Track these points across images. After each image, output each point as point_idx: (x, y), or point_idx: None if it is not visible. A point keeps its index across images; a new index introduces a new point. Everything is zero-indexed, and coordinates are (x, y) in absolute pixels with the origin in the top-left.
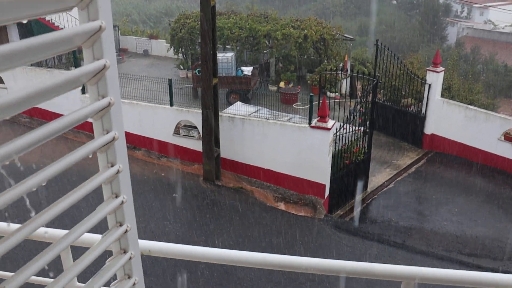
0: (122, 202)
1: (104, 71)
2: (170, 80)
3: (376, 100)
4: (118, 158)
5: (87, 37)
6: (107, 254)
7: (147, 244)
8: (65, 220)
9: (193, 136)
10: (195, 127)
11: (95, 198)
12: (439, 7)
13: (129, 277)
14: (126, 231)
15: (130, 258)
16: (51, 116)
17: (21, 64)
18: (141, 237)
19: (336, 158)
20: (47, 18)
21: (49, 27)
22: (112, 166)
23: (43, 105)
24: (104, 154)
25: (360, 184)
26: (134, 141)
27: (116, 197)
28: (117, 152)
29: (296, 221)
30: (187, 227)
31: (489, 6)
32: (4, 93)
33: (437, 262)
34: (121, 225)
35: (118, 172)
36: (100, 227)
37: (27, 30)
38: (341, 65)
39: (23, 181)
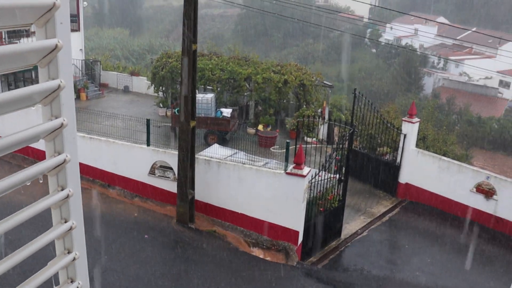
0: (71, 228)
1: (58, 91)
2: (148, 120)
3: (353, 147)
4: (69, 182)
5: (42, 55)
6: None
7: None
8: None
9: (168, 177)
10: (171, 168)
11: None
12: (417, 57)
13: None
14: (74, 259)
15: None
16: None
17: None
18: (105, 278)
19: (311, 205)
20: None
21: None
22: (62, 189)
23: None
24: (54, 177)
25: (333, 231)
26: (109, 179)
27: (65, 222)
28: (68, 176)
29: (268, 267)
30: (157, 270)
31: (464, 59)
32: None
33: None
34: (69, 252)
35: (68, 196)
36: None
37: None
38: (319, 111)
39: None
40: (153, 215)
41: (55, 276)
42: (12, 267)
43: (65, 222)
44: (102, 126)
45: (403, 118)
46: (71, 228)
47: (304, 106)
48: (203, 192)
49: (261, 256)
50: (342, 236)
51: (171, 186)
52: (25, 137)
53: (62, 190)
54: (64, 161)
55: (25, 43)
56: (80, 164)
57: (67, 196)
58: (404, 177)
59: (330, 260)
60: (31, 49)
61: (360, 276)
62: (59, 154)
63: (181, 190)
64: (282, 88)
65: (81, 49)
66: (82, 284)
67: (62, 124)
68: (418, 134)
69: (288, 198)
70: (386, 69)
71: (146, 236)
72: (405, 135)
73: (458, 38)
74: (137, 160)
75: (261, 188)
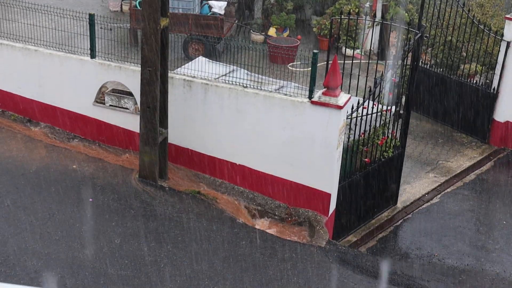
0: None
1: None
2: (92, 16)
3: (420, 64)
4: None
5: None
6: None
7: None
8: None
9: (126, 108)
10: (130, 94)
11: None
12: None
13: None
14: None
15: None
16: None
17: None
18: (27, 264)
19: (350, 154)
20: None
21: None
22: None
23: None
24: None
25: (385, 196)
26: (31, 112)
27: None
28: None
29: (282, 249)
30: (107, 252)
31: None
32: None
33: None
34: None
35: None
36: None
37: None
38: (367, 4)
39: None
40: (102, 166)
41: None
42: None
43: None
44: (19, 25)
45: (506, 16)
46: None
47: None
48: (181, 132)
49: (271, 232)
50: (399, 204)
51: (131, 122)
52: None
53: None
54: None
55: None
56: None
57: None
58: (504, 113)
59: (379, 241)
60: None
61: (427, 267)
62: None
63: (146, 128)
64: None
65: None
66: None
67: None
68: None
69: (314, 142)
70: None
71: (90, 199)
72: (508, 44)
73: None
74: (76, 80)
75: (272, 126)
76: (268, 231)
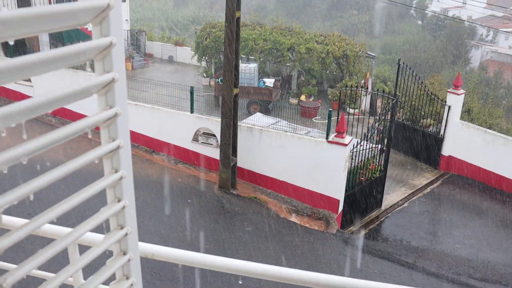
0: (124, 207)
1: (112, 83)
2: (192, 88)
3: (395, 118)
4: (122, 165)
5: (98, 51)
6: (109, 255)
7: (150, 248)
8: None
9: (211, 144)
10: (214, 135)
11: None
12: (464, 29)
13: (127, 278)
14: (126, 234)
15: (129, 260)
16: (79, 117)
17: (41, 73)
18: (150, 240)
19: (352, 174)
20: None
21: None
22: (116, 172)
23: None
24: (109, 160)
25: (374, 202)
26: (153, 146)
27: (119, 201)
28: (122, 159)
29: (308, 234)
30: (199, 234)
31: None
32: (30, 90)
33: (447, 285)
34: (122, 228)
35: (121, 178)
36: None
37: (57, 33)
38: (362, 82)
39: (35, 179)
40: (196, 180)
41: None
42: (72, 242)
43: (119, 201)
44: (148, 94)
45: (448, 90)
46: (124, 207)
47: (347, 77)
48: (245, 159)
49: (302, 223)
50: (383, 207)
51: (214, 153)
52: (84, 126)
53: (116, 172)
54: (118, 147)
55: (84, 42)
56: None
57: (121, 178)
58: (448, 150)
59: (370, 230)
60: (89, 47)
61: (399, 246)
62: (113, 140)
63: (223, 156)
64: (325, 58)
65: (126, 20)
66: (133, 256)
67: (116, 113)
68: (463, 107)
69: (329, 167)
70: (432, 41)
71: (189, 200)
72: (449, 107)
73: (510, 8)
74: (181, 127)
75: (302, 156)
76: (299, 222)
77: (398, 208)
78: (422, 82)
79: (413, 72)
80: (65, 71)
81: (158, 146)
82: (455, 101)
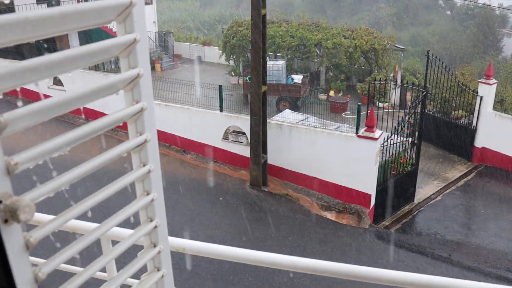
0: (153, 200)
1: (138, 79)
2: (220, 86)
3: (426, 111)
4: (150, 159)
5: (123, 48)
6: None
7: (181, 242)
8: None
9: (241, 142)
10: (244, 133)
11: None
12: (495, 18)
13: (158, 270)
14: (156, 227)
15: (159, 252)
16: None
17: (69, 70)
18: (184, 236)
19: (383, 168)
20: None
21: (105, 32)
22: (144, 166)
23: (96, 108)
24: (137, 154)
25: (406, 195)
26: (184, 145)
27: (147, 194)
28: (149, 153)
29: (341, 229)
30: (230, 231)
31: None
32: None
33: (484, 278)
34: (151, 220)
35: (149, 171)
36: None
37: (85, 33)
38: (391, 75)
39: (64, 174)
40: (227, 178)
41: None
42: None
43: (147, 194)
44: (177, 94)
45: (479, 80)
46: (152, 200)
47: (376, 71)
48: (275, 156)
49: (334, 219)
50: (415, 201)
51: (244, 151)
52: (112, 121)
53: (144, 166)
54: (145, 141)
55: (109, 40)
56: (157, 131)
57: (149, 172)
58: (481, 141)
59: (403, 224)
60: (114, 44)
61: (433, 241)
62: (141, 134)
63: (254, 154)
64: (353, 53)
65: (154, 22)
66: (163, 248)
67: (142, 108)
68: (495, 97)
69: (360, 161)
70: (462, 31)
71: (220, 198)
72: (481, 98)
73: None
74: (211, 125)
75: (333, 151)
76: (331, 218)
77: (431, 202)
78: (452, 73)
79: (443, 63)
80: (97, 75)
81: (189, 146)
82: (487, 91)
